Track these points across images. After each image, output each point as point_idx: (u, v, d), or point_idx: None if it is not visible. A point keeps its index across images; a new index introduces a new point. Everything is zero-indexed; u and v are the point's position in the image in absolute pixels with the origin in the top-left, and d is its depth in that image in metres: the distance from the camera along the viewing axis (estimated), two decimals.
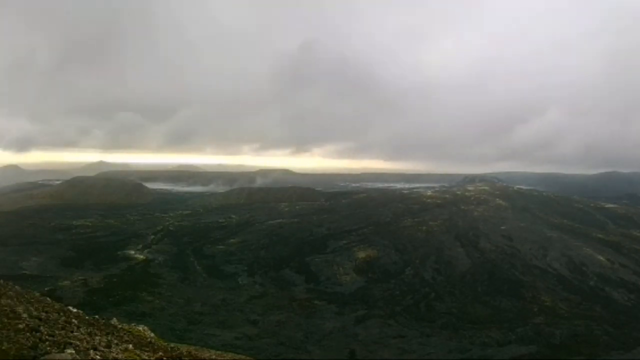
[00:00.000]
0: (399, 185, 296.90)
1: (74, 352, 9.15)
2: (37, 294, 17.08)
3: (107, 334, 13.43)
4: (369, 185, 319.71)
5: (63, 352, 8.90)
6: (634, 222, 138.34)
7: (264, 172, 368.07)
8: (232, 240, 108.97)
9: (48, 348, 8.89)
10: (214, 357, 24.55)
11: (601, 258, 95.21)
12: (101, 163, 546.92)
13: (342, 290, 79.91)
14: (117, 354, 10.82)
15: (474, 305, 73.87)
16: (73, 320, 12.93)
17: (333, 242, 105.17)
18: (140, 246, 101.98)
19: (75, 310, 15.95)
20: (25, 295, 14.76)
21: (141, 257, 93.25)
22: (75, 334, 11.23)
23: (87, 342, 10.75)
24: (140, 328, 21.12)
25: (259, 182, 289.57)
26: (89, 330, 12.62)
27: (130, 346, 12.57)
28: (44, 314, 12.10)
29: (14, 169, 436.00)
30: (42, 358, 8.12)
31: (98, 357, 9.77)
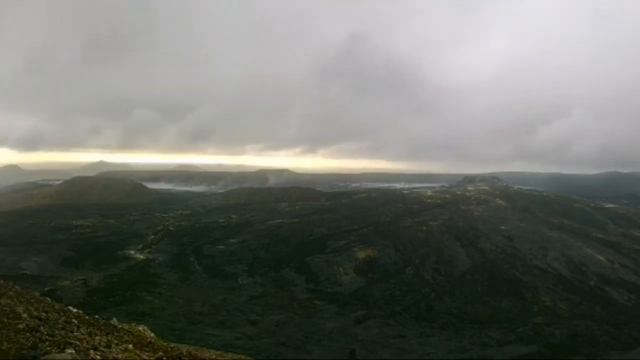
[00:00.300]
0: (399, 185, 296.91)
1: (74, 352, 9.15)
2: (37, 294, 17.07)
3: (107, 334, 13.43)
4: (369, 185, 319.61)
5: (63, 352, 8.91)
6: (634, 222, 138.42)
7: (264, 172, 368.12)
8: (232, 240, 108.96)
9: (48, 348, 8.89)
10: (214, 357, 24.55)
11: (601, 258, 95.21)
12: (101, 163, 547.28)
13: (342, 290, 79.91)
14: (117, 354, 10.83)
15: (474, 305, 73.87)
16: (73, 320, 12.94)
17: (333, 242, 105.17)
18: (140, 246, 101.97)
19: (75, 310, 15.96)
20: (25, 295, 14.76)
21: (141, 257, 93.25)
22: (75, 334, 11.23)
23: (87, 342, 10.76)
24: (140, 328, 21.13)
25: (259, 182, 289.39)
26: (89, 330, 12.62)
27: (130, 346, 12.58)
28: (44, 314, 12.10)
29: (14, 169, 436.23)
30: (42, 358, 8.12)
31: (98, 357, 9.77)
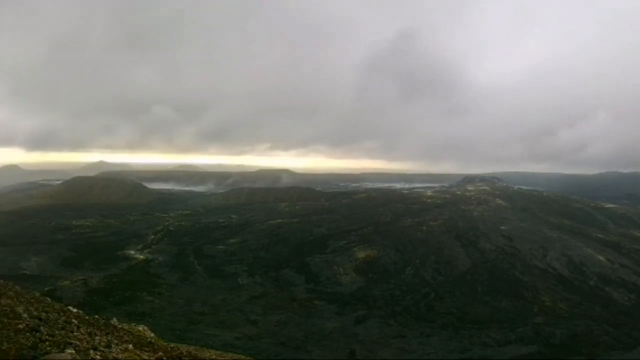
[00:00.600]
0: (399, 185, 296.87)
1: (74, 352, 9.15)
2: (37, 294, 17.07)
3: (107, 334, 13.43)
4: (369, 185, 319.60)
5: (63, 352, 8.91)
6: (634, 222, 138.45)
7: (264, 172, 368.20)
8: (232, 240, 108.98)
9: (48, 348, 8.89)
10: (214, 357, 24.54)
11: (601, 258, 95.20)
12: (101, 163, 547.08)
13: (342, 290, 79.91)
14: (117, 354, 10.83)
15: (474, 305, 73.85)
16: (73, 320, 12.94)
17: (333, 242, 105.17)
18: (140, 246, 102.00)
19: (75, 310, 15.96)
20: (25, 295, 14.76)
21: (141, 257, 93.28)
22: (75, 334, 11.23)
23: (87, 342, 10.76)
24: (140, 328, 21.13)
25: (259, 182, 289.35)
26: (89, 330, 12.62)
27: (130, 346, 12.58)
28: (44, 314, 12.10)
29: (14, 169, 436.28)
30: (42, 358, 8.12)
31: (98, 357, 9.77)
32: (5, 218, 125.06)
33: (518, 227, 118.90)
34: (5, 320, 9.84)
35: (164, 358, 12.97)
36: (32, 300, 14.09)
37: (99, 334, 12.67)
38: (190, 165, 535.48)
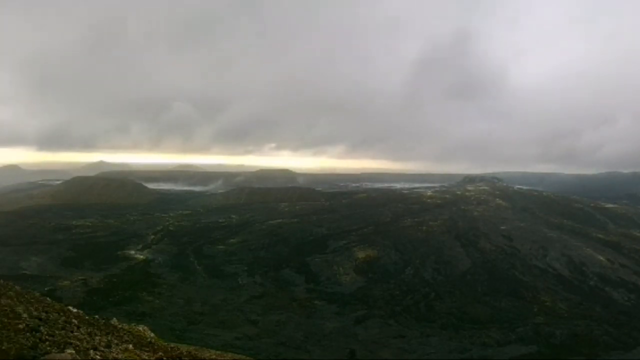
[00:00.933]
0: (399, 185, 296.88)
1: (74, 352, 9.15)
2: (37, 294, 17.07)
3: (107, 334, 13.43)
4: (369, 185, 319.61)
5: (63, 352, 8.91)
6: (634, 222, 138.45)
7: (264, 172, 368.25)
8: (232, 240, 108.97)
9: (48, 348, 8.89)
10: (214, 357, 24.54)
11: (601, 258, 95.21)
12: (101, 163, 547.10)
13: (342, 290, 79.90)
14: (117, 354, 10.83)
15: (474, 305, 73.85)
16: (73, 320, 12.93)
17: (333, 242, 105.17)
18: (140, 246, 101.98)
19: (75, 310, 15.95)
20: (25, 295, 14.75)
21: (141, 257, 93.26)
22: (75, 334, 11.23)
23: (87, 342, 10.76)
24: (140, 328, 21.13)
25: (260, 182, 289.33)
26: (89, 330, 12.62)
27: (130, 346, 12.57)
28: (44, 314, 12.10)
29: (14, 169, 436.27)
30: (42, 358, 8.12)
31: (98, 357, 9.77)
32: (5, 218, 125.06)
33: (518, 227, 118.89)
34: (5, 320, 9.84)
35: (164, 358, 12.97)
36: (32, 300, 14.08)
37: (99, 334, 12.67)
38: (190, 165, 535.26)
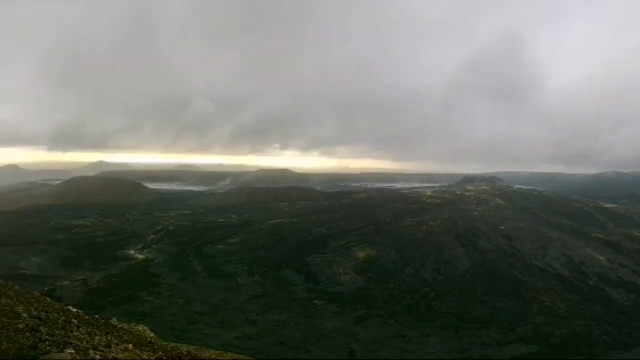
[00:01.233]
0: (399, 185, 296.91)
1: (74, 352, 9.15)
2: (37, 294, 17.07)
3: (107, 334, 13.42)
4: (369, 185, 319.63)
5: (63, 352, 8.90)
6: (634, 222, 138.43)
7: (264, 172, 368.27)
8: (232, 240, 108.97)
9: (48, 348, 8.88)
10: (214, 357, 24.53)
11: (601, 258, 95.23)
12: (101, 163, 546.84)
13: (342, 290, 79.90)
14: (117, 354, 10.83)
15: (474, 305, 73.85)
16: (73, 320, 12.93)
17: (333, 242, 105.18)
18: (140, 246, 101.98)
19: (75, 310, 15.96)
20: (25, 295, 14.75)
21: (141, 257, 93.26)
22: (75, 334, 11.22)
23: (87, 342, 10.75)
24: (140, 328, 21.12)
25: (260, 182, 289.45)
26: (89, 330, 12.61)
27: (130, 346, 12.57)
28: (44, 314, 12.09)
29: (14, 169, 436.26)
30: (42, 358, 8.11)
31: (98, 357, 9.77)
32: (5, 218, 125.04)
33: (518, 227, 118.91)
34: (5, 320, 9.83)
35: (164, 358, 12.97)
36: (32, 300, 14.08)
37: (99, 334, 12.67)
38: (190, 165, 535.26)
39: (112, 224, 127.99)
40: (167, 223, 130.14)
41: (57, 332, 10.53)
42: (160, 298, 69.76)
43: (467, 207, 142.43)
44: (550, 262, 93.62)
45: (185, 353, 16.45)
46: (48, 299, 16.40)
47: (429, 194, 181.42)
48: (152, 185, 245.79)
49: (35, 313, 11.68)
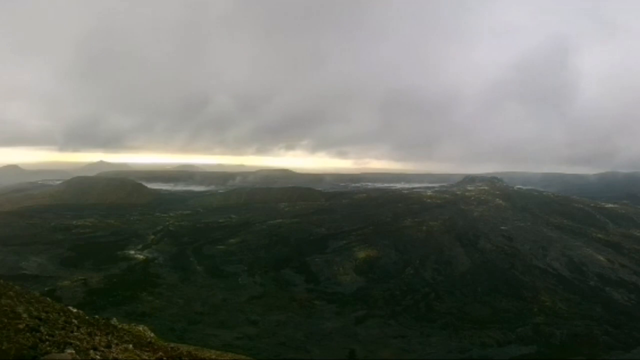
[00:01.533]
0: (399, 185, 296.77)
1: (74, 352, 9.15)
2: (37, 294, 17.08)
3: (107, 334, 13.42)
4: (369, 185, 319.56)
5: (63, 352, 8.91)
6: (634, 222, 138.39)
7: (264, 172, 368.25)
8: (232, 240, 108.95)
9: (48, 348, 8.89)
10: (214, 357, 24.56)
11: (601, 258, 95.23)
12: (101, 163, 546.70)
13: (342, 290, 79.90)
14: (117, 354, 10.83)
15: (474, 305, 73.85)
16: (73, 320, 12.94)
17: (333, 242, 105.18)
18: (140, 246, 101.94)
19: (75, 310, 15.96)
20: (25, 295, 14.75)
21: (141, 257, 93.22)
22: (75, 334, 11.23)
23: (87, 342, 10.76)
24: (140, 328, 21.14)
25: (259, 182, 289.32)
26: (89, 330, 12.62)
27: (130, 346, 12.58)
28: (44, 314, 12.09)
29: (14, 169, 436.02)
30: (42, 358, 8.12)
31: (98, 357, 9.78)
32: (5, 218, 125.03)
33: (518, 227, 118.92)
34: (5, 320, 9.83)
35: (164, 358, 12.97)
36: (32, 300, 14.08)
37: (99, 334, 12.67)
38: (190, 165, 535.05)
39: (112, 224, 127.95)
40: (167, 223, 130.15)
41: (57, 332, 10.54)
42: (160, 298, 69.75)
43: (467, 207, 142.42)
44: (550, 262, 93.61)
45: (185, 353, 16.46)
46: (48, 299, 16.40)
47: (429, 194, 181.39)
48: (152, 185, 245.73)
49: (35, 313, 11.68)
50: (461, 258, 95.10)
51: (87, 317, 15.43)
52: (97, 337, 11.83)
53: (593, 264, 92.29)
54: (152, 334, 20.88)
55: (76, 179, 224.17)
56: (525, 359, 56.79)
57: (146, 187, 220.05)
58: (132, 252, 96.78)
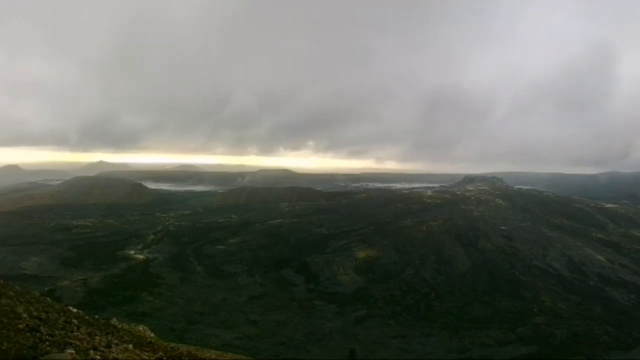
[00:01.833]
0: (399, 185, 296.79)
1: (74, 352, 9.15)
2: (37, 294, 17.08)
3: (107, 334, 13.43)
4: (369, 185, 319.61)
5: (63, 352, 8.91)
6: (634, 222, 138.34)
7: (264, 172, 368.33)
8: (232, 240, 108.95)
9: (48, 348, 8.89)
10: (214, 357, 24.56)
11: (601, 258, 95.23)
12: (101, 163, 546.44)
13: (342, 290, 79.90)
14: (117, 354, 10.83)
15: (474, 305, 73.85)
16: (73, 320, 12.94)
17: (333, 242, 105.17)
18: (140, 246, 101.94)
19: (75, 310, 15.97)
20: (25, 295, 14.75)
21: (141, 257, 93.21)
22: (75, 334, 11.23)
23: (87, 342, 10.76)
24: (140, 328, 21.15)
25: (259, 182, 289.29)
26: (89, 330, 12.62)
27: (130, 346, 12.58)
28: (44, 314, 12.10)
29: (14, 169, 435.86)
30: (42, 358, 8.12)
31: (98, 357, 9.78)
32: (5, 218, 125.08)
33: (518, 227, 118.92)
34: (5, 320, 9.84)
35: (164, 358, 12.98)
36: (32, 300, 14.08)
37: (99, 334, 12.67)
38: (190, 165, 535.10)
39: (112, 224, 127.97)
40: (167, 223, 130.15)
41: (57, 332, 10.54)
42: (160, 298, 69.74)
43: (467, 207, 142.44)
44: (550, 262, 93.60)
45: (185, 353, 16.46)
46: (48, 299, 16.41)
47: (429, 194, 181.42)
48: (152, 185, 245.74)
49: (35, 313, 11.68)
50: (461, 258, 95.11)
51: (87, 317, 15.43)
52: (97, 337, 11.83)
53: (593, 264, 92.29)
54: (152, 334, 20.89)
55: (76, 179, 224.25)
56: (525, 359, 56.78)
57: (146, 187, 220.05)
58: (132, 252, 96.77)
